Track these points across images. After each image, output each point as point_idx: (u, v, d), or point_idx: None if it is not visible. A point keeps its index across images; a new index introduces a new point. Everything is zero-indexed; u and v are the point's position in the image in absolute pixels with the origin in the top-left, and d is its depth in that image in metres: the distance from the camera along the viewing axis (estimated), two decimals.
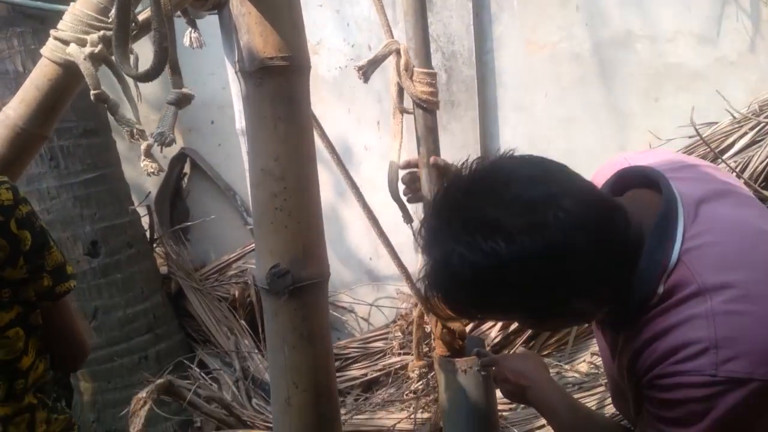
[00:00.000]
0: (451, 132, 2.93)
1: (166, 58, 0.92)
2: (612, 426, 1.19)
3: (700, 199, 0.89)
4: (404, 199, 1.48)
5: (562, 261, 0.81)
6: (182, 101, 1.02)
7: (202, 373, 2.82)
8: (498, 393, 1.55)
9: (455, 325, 1.46)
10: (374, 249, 3.29)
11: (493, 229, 0.80)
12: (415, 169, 1.46)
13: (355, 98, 3.17)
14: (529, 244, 0.79)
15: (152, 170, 1.07)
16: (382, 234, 1.47)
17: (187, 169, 3.71)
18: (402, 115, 1.47)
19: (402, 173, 1.48)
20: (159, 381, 2.15)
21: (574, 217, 0.80)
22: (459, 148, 2.95)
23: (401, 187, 1.51)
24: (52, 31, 1.12)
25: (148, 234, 3.32)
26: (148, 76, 0.93)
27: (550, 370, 2.50)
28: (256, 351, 3.07)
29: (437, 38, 2.87)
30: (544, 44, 2.85)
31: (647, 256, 0.86)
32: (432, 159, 1.42)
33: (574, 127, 2.86)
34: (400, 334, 2.83)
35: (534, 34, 2.85)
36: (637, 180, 0.97)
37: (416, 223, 1.52)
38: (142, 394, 2.07)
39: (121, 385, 2.97)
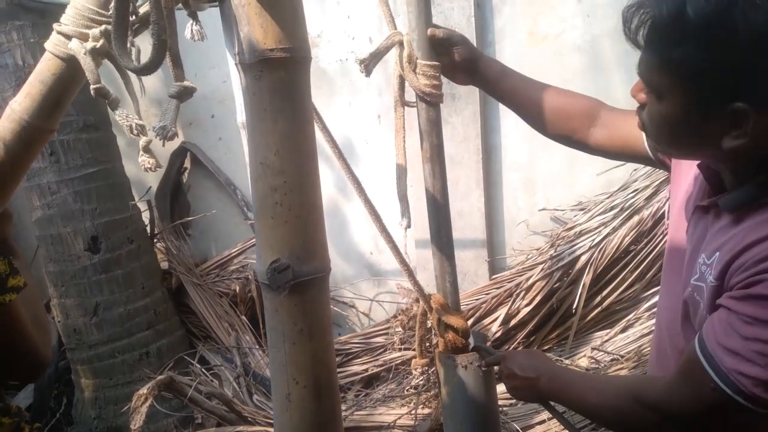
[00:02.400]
0: (452, 125, 2.91)
1: (165, 51, 0.91)
2: (634, 377, 1.16)
3: None
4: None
5: None
6: (184, 94, 1.01)
7: (203, 369, 2.81)
8: (499, 388, 1.55)
9: (457, 323, 1.44)
10: (375, 244, 3.28)
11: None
12: None
13: (356, 91, 3.16)
14: None
15: (150, 166, 1.06)
16: (384, 230, 1.45)
17: (187, 163, 3.70)
18: (404, 109, 1.43)
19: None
20: (160, 377, 2.14)
21: None
22: (460, 141, 2.94)
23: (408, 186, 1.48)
24: (55, 26, 1.11)
25: (148, 229, 3.31)
26: (147, 69, 0.92)
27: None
28: (257, 347, 3.07)
29: None
30: (545, 36, 2.83)
31: None
32: (430, 30, 1.35)
33: None
34: (400, 329, 2.82)
35: (536, 25, 2.83)
36: None
37: (412, 232, 1.51)
38: (143, 390, 2.07)
39: (122, 381, 2.98)
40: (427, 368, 1.67)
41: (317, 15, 3.12)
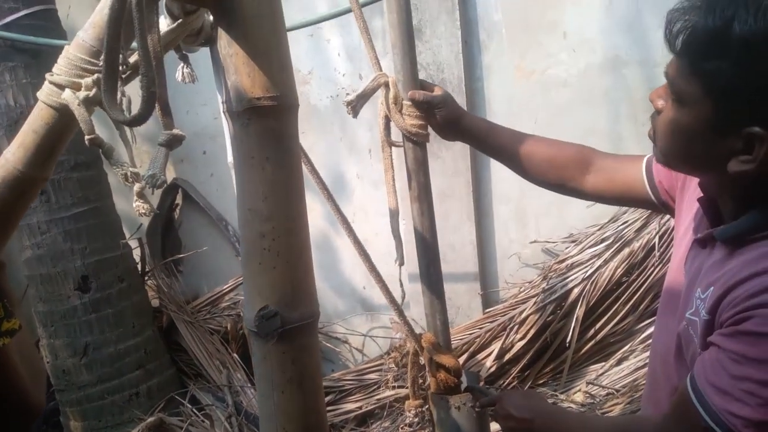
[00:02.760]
0: (443, 159, 2.93)
1: (155, 103, 0.92)
2: (628, 417, 1.16)
3: None
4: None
5: None
6: (173, 142, 1.01)
7: (194, 410, 2.77)
8: (493, 427, 1.53)
9: (449, 362, 1.43)
10: (367, 278, 3.26)
11: None
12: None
13: (347, 127, 3.18)
14: None
15: (144, 211, 1.06)
16: (373, 269, 1.45)
17: (179, 199, 3.69)
18: (391, 149, 1.45)
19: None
20: (150, 419, 2.11)
21: None
22: (450, 175, 2.96)
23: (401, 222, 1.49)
24: (47, 75, 1.13)
25: (139, 267, 3.29)
26: (136, 122, 0.93)
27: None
28: (249, 385, 3.03)
29: (427, 66, 2.90)
30: (532, 71, 2.88)
31: None
32: (410, 93, 1.35)
33: None
34: (394, 366, 2.79)
35: (523, 61, 2.88)
36: None
37: (405, 267, 1.52)
38: None
39: (111, 423, 2.92)
40: (420, 409, 1.64)
41: (308, 52, 3.17)
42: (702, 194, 0.99)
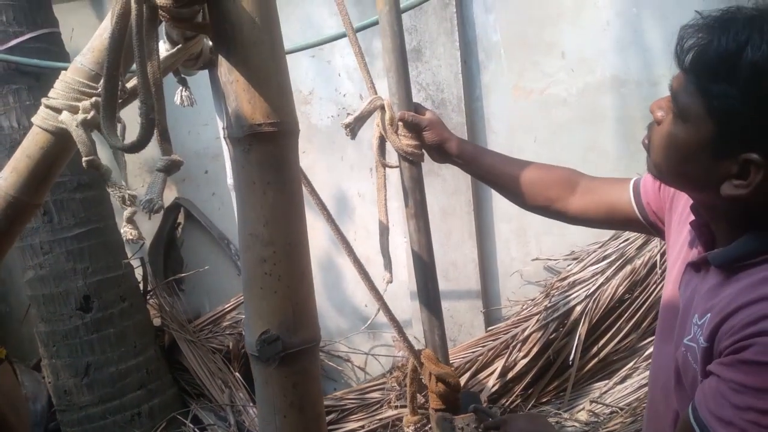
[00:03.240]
0: (443, 178, 2.95)
1: (153, 130, 0.93)
2: None
3: None
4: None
5: None
6: (171, 168, 1.02)
7: (196, 429, 2.76)
8: None
9: (448, 376, 1.44)
10: (369, 296, 3.25)
11: None
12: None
13: (348, 146, 3.20)
14: None
15: (132, 237, 1.06)
16: (373, 288, 1.46)
17: (181, 218, 3.70)
18: (384, 169, 1.49)
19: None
20: None
21: None
22: (450, 193, 2.97)
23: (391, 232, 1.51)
24: (44, 100, 1.13)
25: (141, 286, 3.29)
26: (135, 148, 0.94)
27: (549, 420, 2.46)
28: (251, 404, 3.01)
29: (426, 86, 2.92)
30: (531, 90, 2.90)
31: None
32: (399, 114, 1.40)
33: None
34: (396, 385, 2.78)
35: (521, 80, 2.90)
36: None
37: (395, 277, 1.54)
38: None
39: None
40: (419, 426, 1.64)
41: (309, 73, 3.19)
42: (694, 218, 0.99)
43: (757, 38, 0.77)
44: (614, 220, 1.30)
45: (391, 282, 1.50)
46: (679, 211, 1.09)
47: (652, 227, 1.23)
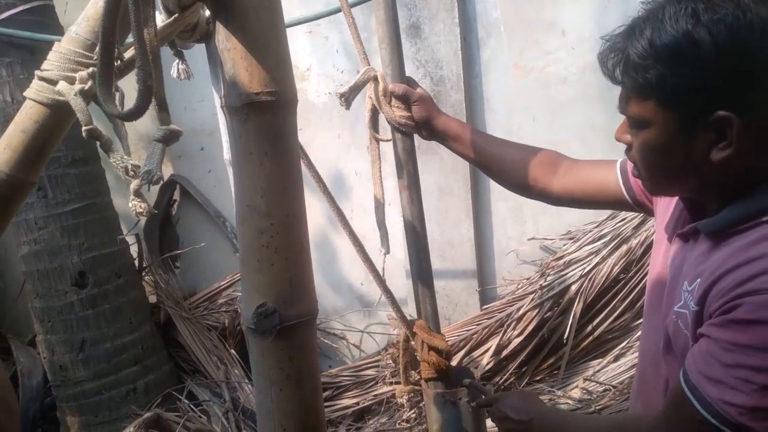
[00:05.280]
0: (441, 156, 2.93)
1: (151, 97, 0.91)
2: (622, 415, 1.17)
3: None
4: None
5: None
6: (170, 138, 1.00)
7: (191, 405, 2.77)
8: (488, 424, 1.53)
9: (440, 344, 1.45)
10: (365, 274, 3.26)
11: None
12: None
13: (345, 123, 3.18)
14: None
15: (141, 210, 1.04)
16: (367, 260, 1.47)
17: (176, 195, 3.68)
18: (378, 143, 1.49)
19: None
20: (147, 414, 2.11)
21: None
22: (449, 172, 2.95)
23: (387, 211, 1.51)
24: (37, 72, 1.10)
25: (136, 263, 3.28)
26: (132, 116, 0.92)
27: (543, 398, 2.48)
28: (246, 381, 3.03)
29: (425, 63, 2.89)
30: (531, 68, 2.87)
31: None
32: (390, 86, 1.42)
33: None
34: (391, 362, 2.79)
35: (521, 58, 2.87)
36: None
37: (391, 255, 1.55)
38: (130, 428, 2.03)
39: (108, 419, 2.91)
40: (412, 395, 1.66)
41: (306, 49, 3.16)
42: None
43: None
44: (600, 200, 1.32)
45: (388, 253, 1.51)
46: None
47: (639, 206, 1.25)
